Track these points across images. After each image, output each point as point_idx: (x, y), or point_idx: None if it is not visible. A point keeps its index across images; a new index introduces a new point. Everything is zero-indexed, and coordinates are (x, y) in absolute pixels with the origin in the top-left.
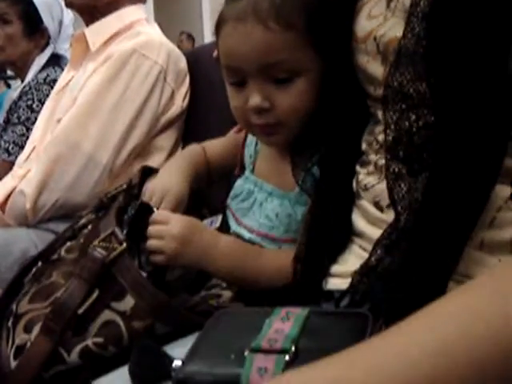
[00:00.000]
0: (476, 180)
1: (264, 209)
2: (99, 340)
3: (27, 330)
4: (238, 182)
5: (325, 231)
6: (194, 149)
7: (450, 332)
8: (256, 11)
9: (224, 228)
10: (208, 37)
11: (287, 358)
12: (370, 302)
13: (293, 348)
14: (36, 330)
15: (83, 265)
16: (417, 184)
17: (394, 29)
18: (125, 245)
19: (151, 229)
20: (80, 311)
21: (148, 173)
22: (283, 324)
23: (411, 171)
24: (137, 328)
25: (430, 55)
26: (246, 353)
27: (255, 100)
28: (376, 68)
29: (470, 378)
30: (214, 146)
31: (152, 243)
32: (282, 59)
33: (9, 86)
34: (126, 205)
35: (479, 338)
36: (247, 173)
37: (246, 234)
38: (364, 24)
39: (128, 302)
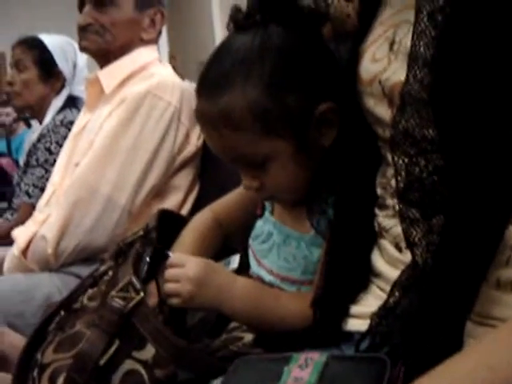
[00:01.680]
0: (489, 220)
1: (282, 251)
2: None
3: (52, 380)
4: (259, 223)
5: (342, 272)
6: (204, 225)
7: None
8: (208, 119)
9: (244, 268)
10: None
11: None
12: (389, 345)
13: None
14: (60, 380)
15: (102, 315)
16: (432, 227)
17: (397, 72)
18: (142, 294)
19: (167, 272)
20: (101, 362)
21: (165, 216)
22: (302, 372)
23: (425, 215)
24: (159, 376)
25: (435, 101)
26: None
27: (244, 182)
28: (383, 111)
29: None
30: (227, 209)
31: (169, 286)
32: (246, 153)
33: (29, 126)
34: (143, 251)
35: None
36: (267, 214)
37: (266, 276)
38: (368, 67)
39: (149, 351)
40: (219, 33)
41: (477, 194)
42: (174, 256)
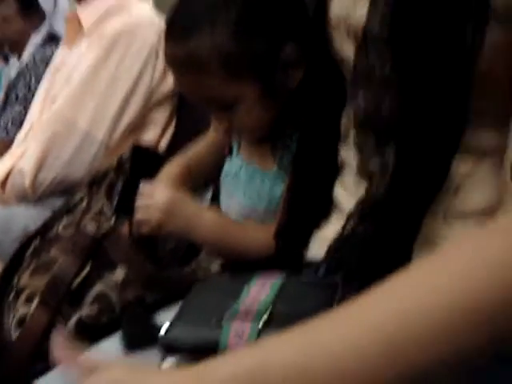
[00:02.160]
0: (438, 152)
1: (248, 188)
2: (93, 312)
3: (28, 303)
4: (227, 163)
5: (303, 204)
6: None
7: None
8: (177, 62)
9: (215, 203)
10: None
11: (261, 322)
12: (343, 270)
13: (267, 313)
14: (35, 303)
15: (75, 241)
16: (385, 156)
17: (363, 12)
18: (113, 220)
19: (138, 202)
20: (74, 285)
21: (139, 150)
22: (260, 291)
23: (379, 143)
24: (128, 298)
25: (394, 40)
26: (225, 318)
27: (214, 121)
28: (349, 51)
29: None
30: (198, 158)
31: (139, 214)
32: (213, 96)
33: (7, 61)
34: (116, 181)
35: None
36: (234, 153)
37: (233, 215)
38: (335, 7)
39: (119, 274)
40: None
41: (427, 125)
42: (144, 186)
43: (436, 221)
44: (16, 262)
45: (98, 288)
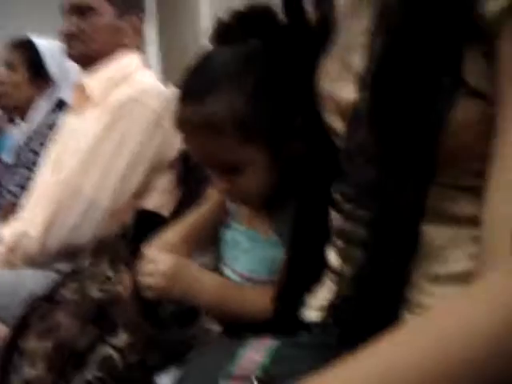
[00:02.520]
0: (407, 221)
1: (250, 255)
2: (99, 374)
3: (34, 365)
4: (225, 231)
5: (300, 269)
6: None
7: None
8: (190, 125)
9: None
10: None
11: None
12: (336, 333)
13: (263, 375)
14: (41, 365)
15: (81, 305)
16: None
17: (348, 90)
18: (119, 287)
19: (141, 267)
20: (80, 348)
21: (144, 215)
22: (256, 354)
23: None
24: (131, 361)
25: (375, 119)
26: (221, 380)
27: (215, 184)
28: (337, 124)
29: None
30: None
31: (143, 280)
32: (223, 159)
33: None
34: (119, 248)
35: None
36: (232, 221)
37: (237, 279)
38: (325, 84)
39: (121, 338)
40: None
41: (397, 196)
42: (148, 252)
43: (425, 284)
44: (22, 325)
45: (102, 351)
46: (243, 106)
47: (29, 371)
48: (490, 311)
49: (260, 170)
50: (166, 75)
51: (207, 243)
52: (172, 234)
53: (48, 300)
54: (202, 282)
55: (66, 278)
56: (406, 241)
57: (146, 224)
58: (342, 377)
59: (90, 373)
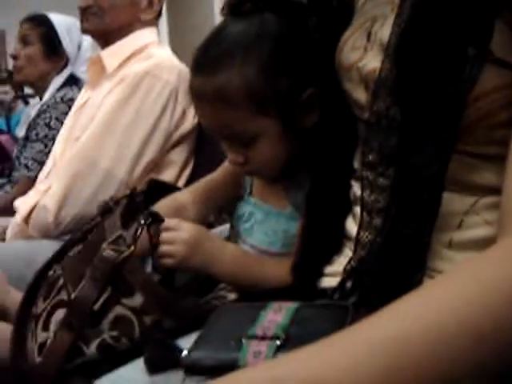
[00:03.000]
0: (429, 189)
1: (263, 227)
2: (114, 333)
3: (45, 328)
4: (239, 205)
5: (317, 240)
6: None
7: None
8: (204, 95)
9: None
10: None
11: (278, 343)
12: (355, 296)
13: (283, 335)
14: (52, 326)
15: (95, 266)
16: (383, 193)
17: (372, 60)
18: (132, 248)
19: (164, 235)
20: (96, 307)
21: (157, 185)
22: (276, 315)
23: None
24: (146, 323)
25: (398, 87)
26: (243, 340)
27: (230, 157)
28: (360, 94)
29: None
30: (213, 185)
31: (164, 248)
32: (236, 130)
33: (27, 103)
34: (129, 208)
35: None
36: (245, 195)
37: (250, 251)
38: (349, 55)
39: (137, 299)
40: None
41: (420, 167)
42: (170, 220)
43: (442, 250)
44: (34, 290)
45: (117, 311)
46: (255, 77)
47: (42, 335)
48: (509, 272)
49: (274, 141)
50: (174, 51)
51: (220, 209)
52: (182, 195)
53: (56, 262)
54: (223, 252)
55: (75, 240)
56: (426, 208)
57: (158, 193)
58: (362, 336)
59: (106, 333)
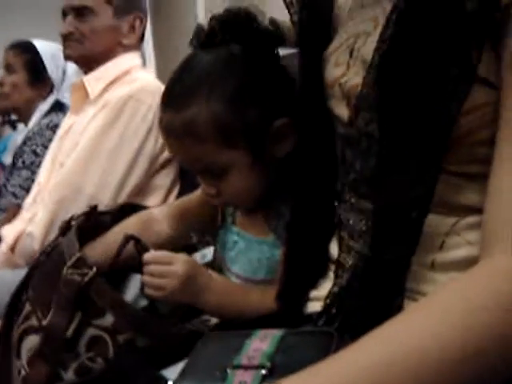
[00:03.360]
0: (413, 210)
1: (247, 256)
2: (91, 354)
3: (18, 355)
4: (222, 232)
5: (301, 265)
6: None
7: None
8: (172, 130)
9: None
10: None
11: (263, 372)
12: (338, 321)
13: (268, 363)
14: (24, 354)
15: (61, 291)
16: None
17: (355, 76)
18: (95, 269)
19: (153, 268)
20: (68, 334)
21: (129, 207)
22: (261, 343)
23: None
24: (120, 341)
25: (379, 103)
26: (228, 370)
27: (203, 188)
28: (341, 110)
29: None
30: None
31: (155, 281)
32: (206, 163)
33: (14, 128)
34: (89, 225)
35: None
36: (228, 224)
37: (235, 280)
38: (331, 71)
39: (109, 319)
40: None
41: (402, 187)
42: (160, 253)
43: (425, 271)
44: (7, 322)
45: (91, 332)
46: (223, 110)
47: (16, 363)
48: (495, 289)
49: (244, 172)
50: (160, 74)
51: (202, 231)
52: (155, 209)
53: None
54: (209, 285)
55: (39, 259)
56: (408, 232)
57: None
58: (350, 361)
59: (83, 355)
